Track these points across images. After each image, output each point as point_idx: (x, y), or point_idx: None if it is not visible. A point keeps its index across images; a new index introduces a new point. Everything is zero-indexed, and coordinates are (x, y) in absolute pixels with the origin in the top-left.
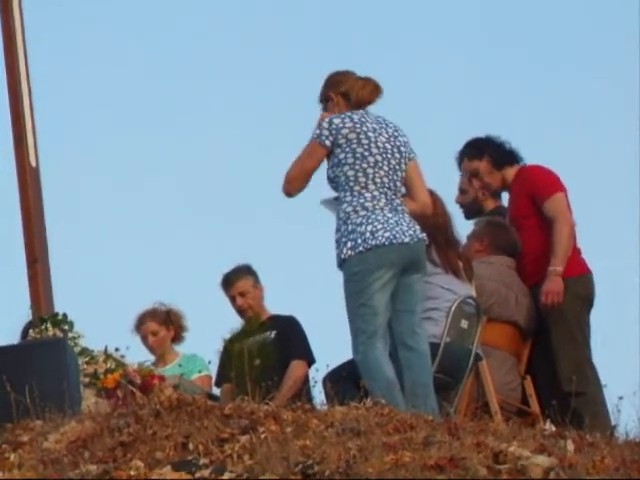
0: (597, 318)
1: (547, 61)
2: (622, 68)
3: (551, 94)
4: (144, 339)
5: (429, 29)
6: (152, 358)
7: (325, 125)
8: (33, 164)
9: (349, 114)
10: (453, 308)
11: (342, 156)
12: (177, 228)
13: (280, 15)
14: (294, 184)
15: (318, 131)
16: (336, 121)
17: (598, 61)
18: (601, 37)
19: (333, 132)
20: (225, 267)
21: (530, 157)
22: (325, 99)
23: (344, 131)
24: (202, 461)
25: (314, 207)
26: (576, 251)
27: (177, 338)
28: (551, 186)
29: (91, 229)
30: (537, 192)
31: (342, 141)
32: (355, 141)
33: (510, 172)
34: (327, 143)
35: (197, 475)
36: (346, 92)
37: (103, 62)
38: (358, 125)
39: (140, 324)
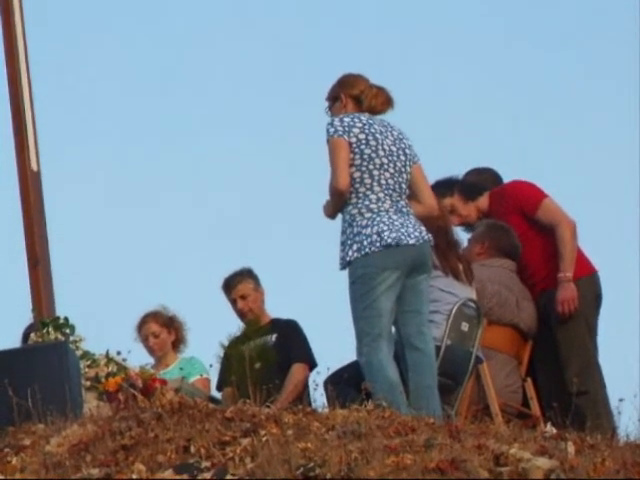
0: (600, 319)
1: (548, 62)
2: (623, 68)
3: (551, 93)
4: (145, 340)
5: (432, 33)
6: (152, 361)
7: (337, 122)
8: (34, 168)
9: (357, 115)
10: (454, 311)
11: (350, 156)
12: (178, 231)
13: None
14: (341, 178)
15: (332, 129)
16: (347, 119)
17: (598, 61)
18: (601, 38)
19: (346, 129)
20: (226, 270)
21: (532, 157)
22: (334, 98)
23: (355, 130)
24: (204, 464)
25: (315, 211)
26: (581, 251)
27: (175, 345)
28: (535, 195)
29: (92, 232)
30: (524, 206)
31: (353, 140)
32: (364, 142)
33: (483, 200)
34: (345, 137)
35: (199, 478)
36: (358, 96)
37: (106, 66)
38: (367, 126)
39: (142, 325)
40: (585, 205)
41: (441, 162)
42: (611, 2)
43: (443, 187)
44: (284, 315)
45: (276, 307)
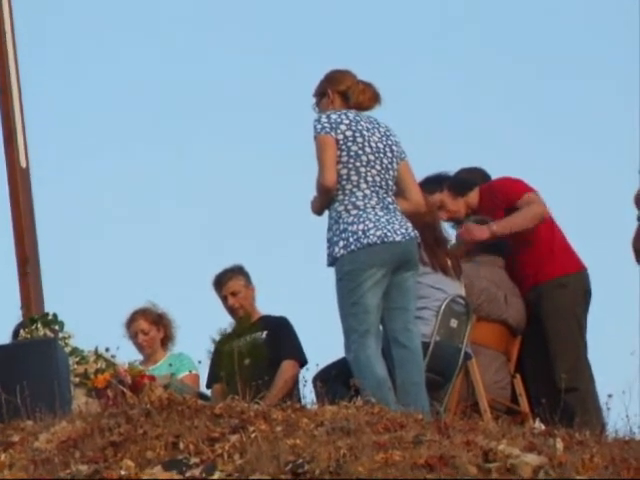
0: (589, 316)
1: (545, 63)
2: (622, 66)
3: (550, 94)
4: (134, 337)
5: (424, 33)
6: (141, 357)
7: (324, 119)
8: (23, 165)
9: (344, 112)
10: (443, 307)
11: (337, 153)
12: (168, 228)
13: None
14: (328, 175)
15: (319, 126)
16: (334, 116)
17: (598, 62)
18: (600, 41)
19: (333, 126)
20: (216, 267)
21: (527, 156)
22: (321, 94)
23: (342, 127)
24: (192, 460)
25: (304, 207)
26: (570, 248)
27: (164, 343)
28: (519, 190)
29: (82, 229)
30: (510, 200)
31: (340, 137)
32: (351, 139)
33: (472, 195)
34: (332, 134)
35: (187, 474)
36: (345, 92)
37: (96, 61)
38: (353, 123)
39: (131, 321)
40: (584, 204)
41: (431, 159)
42: (611, 2)
43: (433, 183)
44: (274, 312)
45: (266, 304)
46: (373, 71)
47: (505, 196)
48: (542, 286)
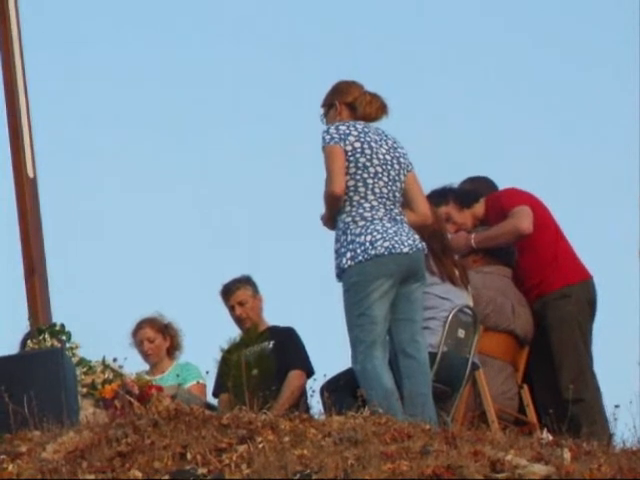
0: (595, 326)
1: (546, 59)
2: (623, 69)
3: (549, 95)
4: (139, 345)
5: (427, 35)
6: (147, 366)
7: (333, 130)
8: (31, 175)
9: (352, 123)
10: (450, 317)
11: (345, 164)
12: (176, 238)
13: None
14: (337, 183)
15: (328, 137)
16: (342, 128)
17: (597, 61)
18: (601, 39)
19: (342, 137)
20: (223, 278)
21: (529, 161)
22: (328, 105)
23: (351, 138)
24: (200, 471)
25: (312, 219)
26: (575, 256)
27: (170, 352)
28: (513, 202)
29: (89, 239)
30: (505, 211)
31: (349, 148)
32: (359, 150)
33: (478, 207)
34: (341, 144)
35: None
36: (352, 103)
37: (104, 71)
38: (362, 135)
39: (137, 330)
40: (585, 210)
41: (438, 170)
42: (611, 2)
43: (438, 196)
44: (282, 322)
45: (274, 314)
46: (380, 78)
47: (503, 207)
48: (546, 297)
